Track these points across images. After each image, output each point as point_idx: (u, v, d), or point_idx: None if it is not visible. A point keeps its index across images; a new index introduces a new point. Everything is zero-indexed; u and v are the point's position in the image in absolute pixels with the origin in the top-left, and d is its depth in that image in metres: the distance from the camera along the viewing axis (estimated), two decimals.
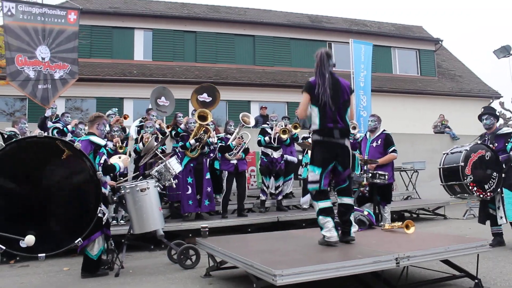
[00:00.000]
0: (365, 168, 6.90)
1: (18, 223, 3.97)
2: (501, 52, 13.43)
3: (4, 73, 11.56)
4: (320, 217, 4.48)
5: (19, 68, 8.44)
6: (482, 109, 6.80)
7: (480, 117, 6.67)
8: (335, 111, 4.50)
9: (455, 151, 6.36)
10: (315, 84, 4.52)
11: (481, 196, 6.10)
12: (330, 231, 4.42)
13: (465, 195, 6.25)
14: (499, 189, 6.20)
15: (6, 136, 7.03)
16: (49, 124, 8.63)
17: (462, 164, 5.99)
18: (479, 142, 6.52)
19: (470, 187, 6.00)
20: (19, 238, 3.78)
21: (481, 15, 66.50)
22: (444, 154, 6.54)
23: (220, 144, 8.40)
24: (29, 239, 3.67)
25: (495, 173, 6.15)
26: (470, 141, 6.55)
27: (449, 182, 6.28)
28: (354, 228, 4.65)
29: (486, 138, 6.56)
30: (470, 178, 5.99)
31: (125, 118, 9.62)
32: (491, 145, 6.31)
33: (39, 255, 4.06)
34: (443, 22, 64.21)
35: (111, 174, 6.07)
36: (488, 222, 6.52)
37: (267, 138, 8.90)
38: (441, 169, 6.40)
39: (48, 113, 8.73)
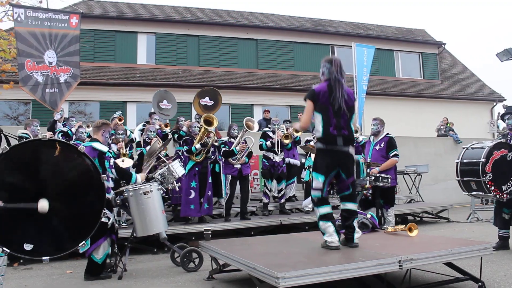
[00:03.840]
0: (367, 171, 6.89)
1: (21, 225, 3.99)
2: (504, 55, 13.34)
3: (7, 77, 11.69)
4: (321, 223, 4.50)
5: (28, 73, 8.51)
6: (505, 108, 6.64)
7: (502, 117, 6.46)
8: (340, 117, 4.50)
9: (476, 147, 6.12)
10: (319, 91, 4.52)
11: (498, 196, 5.86)
12: (331, 236, 4.43)
13: (480, 193, 6.05)
14: None
15: (17, 138, 7.08)
16: (59, 126, 8.72)
17: (484, 160, 5.78)
18: (502, 141, 6.26)
19: (488, 186, 5.78)
20: (31, 206, 3.87)
21: (483, 18, 66.51)
22: (463, 148, 6.33)
23: (223, 148, 8.41)
24: (43, 205, 3.72)
25: None
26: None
27: (466, 177, 6.04)
28: (358, 234, 4.61)
29: (510, 137, 6.29)
30: (489, 176, 5.77)
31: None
32: None
33: (43, 258, 4.05)
34: (446, 26, 64.26)
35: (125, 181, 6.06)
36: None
37: (269, 143, 8.90)
38: (459, 163, 6.16)
39: (57, 116, 8.81)
